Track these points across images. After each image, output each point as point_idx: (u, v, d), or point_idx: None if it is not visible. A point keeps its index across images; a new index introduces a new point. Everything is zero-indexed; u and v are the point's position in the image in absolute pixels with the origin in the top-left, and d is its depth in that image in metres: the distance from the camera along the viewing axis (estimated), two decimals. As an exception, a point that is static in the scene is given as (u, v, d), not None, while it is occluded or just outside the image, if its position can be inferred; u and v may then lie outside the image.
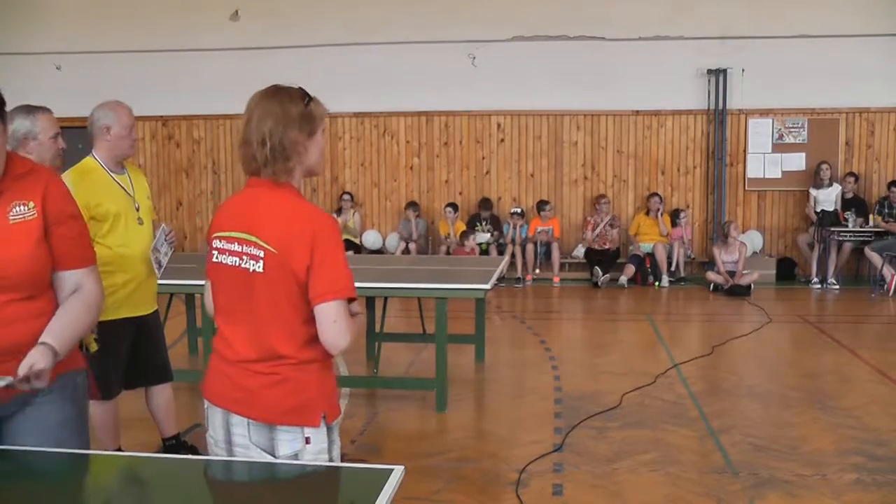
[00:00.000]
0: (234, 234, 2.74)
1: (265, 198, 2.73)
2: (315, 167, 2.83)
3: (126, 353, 4.77)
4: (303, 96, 2.77)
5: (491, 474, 5.25)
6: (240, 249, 2.71)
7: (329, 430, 2.76)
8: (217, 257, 2.79)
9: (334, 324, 2.64)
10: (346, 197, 13.64)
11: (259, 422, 2.71)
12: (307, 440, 2.71)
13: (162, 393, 5.08)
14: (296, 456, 2.71)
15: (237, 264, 2.72)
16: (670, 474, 5.19)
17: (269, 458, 2.71)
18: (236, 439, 2.75)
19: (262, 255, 2.66)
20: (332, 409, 2.79)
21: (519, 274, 12.95)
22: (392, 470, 2.39)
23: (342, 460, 2.95)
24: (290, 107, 2.73)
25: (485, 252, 12.76)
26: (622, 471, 5.25)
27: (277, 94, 2.75)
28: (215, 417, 2.80)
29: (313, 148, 2.79)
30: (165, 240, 4.81)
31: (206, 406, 2.85)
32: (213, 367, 2.83)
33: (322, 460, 2.73)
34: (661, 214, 13.05)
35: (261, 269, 2.67)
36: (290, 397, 2.70)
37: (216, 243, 2.80)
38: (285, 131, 2.69)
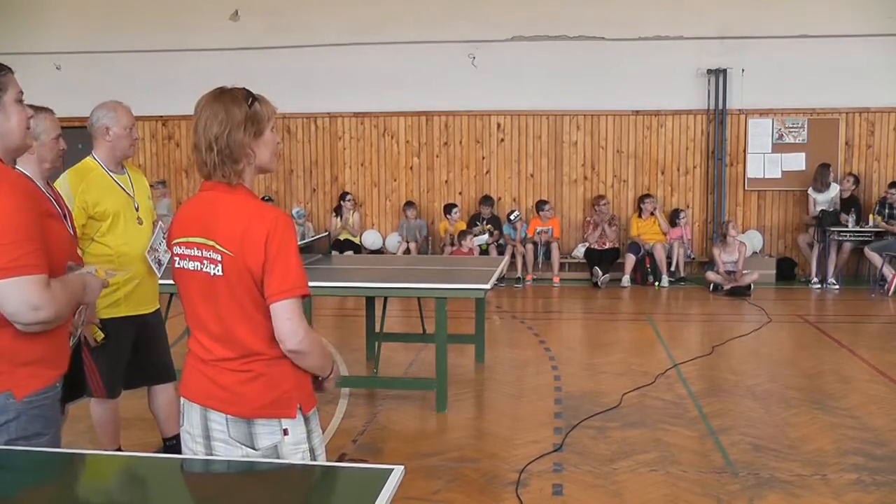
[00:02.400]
0: (192, 239, 2.79)
1: (219, 201, 2.77)
2: (267, 165, 2.88)
3: (128, 352, 4.77)
4: (247, 97, 2.80)
5: (491, 474, 5.25)
6: (199, 254, 2.77)
7: (306, 420, 2.84)
8: (179, 263, 2.85)
9: (287, 322, 2.69)
10: (349, 198, 13.64)
11: (237, 417, 2.78)
12: (285, 432, 2.79)
13: (164, 392, 5.07)
14: (275, 448, 2.78)
15: (199, 269, 2.77)
16: (670, 474, 5.19)
17: (249, 451, 2.77)
18: (215, 434, 2.81)
19: (220, 258, 2.72)
20: (307, 400, 2.86)
21: (519, 274, 12.94)
22: (392, 470, 2.40)
23: (342, 460, 2.96)
24: (234, 110, 2.75)
25: (485, 252, 12.75)
26: (622, 471, 5.26)
27: (221, 98, 2.78)
28: (193, 413, 2.86)
29: (262, 148, 2.83)
30: (164, 238, 4.81)
31: (182, 402, 2.91)
32: (190, 366, 2.89)
33: (302, 450, 2.81)
34: (658, 212, 13.05)
35: (220, 273, 2.72)
36: (267, 392, 2.77)
37: (177, 249, 2.85)
38: (231, 135, 2.74)
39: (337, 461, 4.97)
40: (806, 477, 5.14)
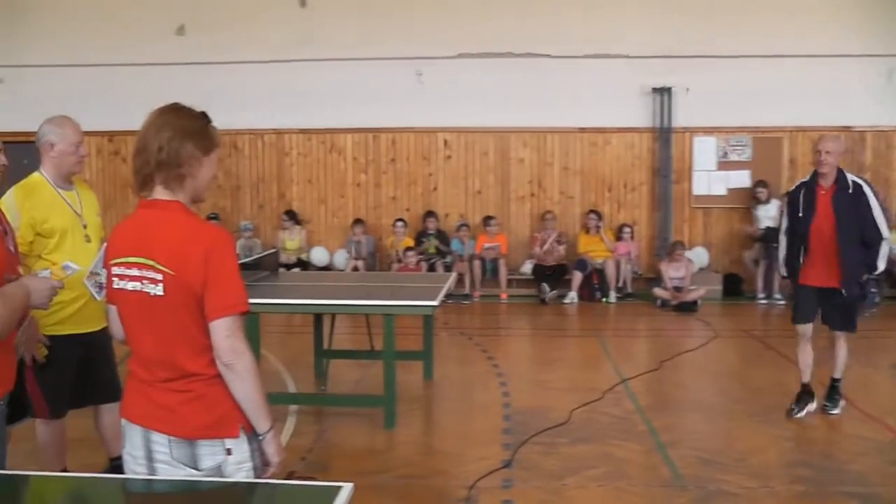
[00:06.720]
0: (131, 258, 2.76)
1: (157, 219, 2.76)
2: (202, 191, 2.86)
3: (73, 372, 4.67)
4: (203, 116, 2.84)
5: (439, 491, 5.24)
6: (139, 274, 2.74)
7: (249, 440, 2.80)
8: (117, 283, 2.81)
9: (226, 339, 2.68)
10: (284, 217, 13.55)
11: (180, 438, 2.73)
12: (228, 451, 2.76)
13: (110, 412, 4.95)
14: (218, 468, 2.74)
15: (138, 289, 2.74)
16: (619, 489, 5.22)
17: (192, 472, 2.72)
18: (157, 456, 2.77)
19: (160, 278, 2.69)
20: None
21: (466, 290, 12.95)
22: (341, 487, 2.38)
23: (290, 478, 2.94)
24: (188, 121, 2.79)
25: (432, 269, 12.72)
26: (571, 486, 5.27)
27: (177, 110, 2.81)
28: (134, 435, 2.81)
29: (206, 167, 2.82)
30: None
31: (123, 423, 2.86)
32: (131, 388, 2.85)
33: (245, 469, 2.77)
34: (603, 230, 13.16)
35: (161, 293, 2.70)
36: (207, 412, 2.74)
37: (115, 270, 2.81)
38: (182, 143, 2.74)
39: (285, 479, 4.92)
40: (753, 489, 5.19)
